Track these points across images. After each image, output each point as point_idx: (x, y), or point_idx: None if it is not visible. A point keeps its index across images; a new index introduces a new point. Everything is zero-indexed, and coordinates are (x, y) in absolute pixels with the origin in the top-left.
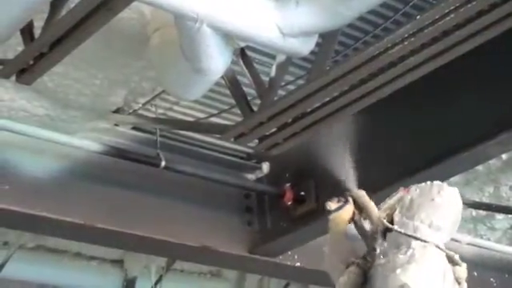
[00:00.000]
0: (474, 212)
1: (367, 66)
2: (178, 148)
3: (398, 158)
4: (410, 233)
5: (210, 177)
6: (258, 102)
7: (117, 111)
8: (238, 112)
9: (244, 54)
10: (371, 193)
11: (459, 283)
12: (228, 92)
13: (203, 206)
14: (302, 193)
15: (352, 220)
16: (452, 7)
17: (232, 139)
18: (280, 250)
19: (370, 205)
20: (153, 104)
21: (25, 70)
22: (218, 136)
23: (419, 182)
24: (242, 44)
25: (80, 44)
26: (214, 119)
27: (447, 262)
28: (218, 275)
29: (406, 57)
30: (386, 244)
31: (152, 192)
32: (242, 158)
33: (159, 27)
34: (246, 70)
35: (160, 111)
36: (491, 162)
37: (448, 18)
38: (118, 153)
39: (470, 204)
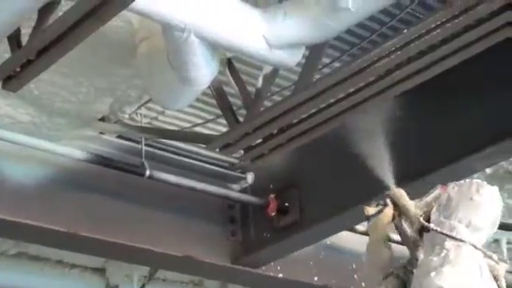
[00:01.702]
0: None
1: (353, 78)
2: (163, 157)
3: (390, 167)
4: (445, 231)
5: (194, 187)
6: (244, 112)
7: (102, 119)
8: (224, 122)
9: (231, 64)
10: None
11: (497, 280)
12: (214, 102)
13: (187, 216)
14: (286, 204)
15: (393, 224)
16: (439, 22)
17: (217, 149)
18: (263, 260)
19: (411, 206)
20: (138, 113)
21: (11, 77)
22: (203, 146)
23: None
24: (229, 54)
25: (67, 52)
26: (199, 129)
27: (484, 259)
28: (200, 285)
29: (392, 70)
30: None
31: (136, 201)
32: (226, 168)
33: (147, 36)
34: (232, 81)
35: (146, 120)
36: (475, 175)
37: (434, 33)
38: (102, 161)
39: None
